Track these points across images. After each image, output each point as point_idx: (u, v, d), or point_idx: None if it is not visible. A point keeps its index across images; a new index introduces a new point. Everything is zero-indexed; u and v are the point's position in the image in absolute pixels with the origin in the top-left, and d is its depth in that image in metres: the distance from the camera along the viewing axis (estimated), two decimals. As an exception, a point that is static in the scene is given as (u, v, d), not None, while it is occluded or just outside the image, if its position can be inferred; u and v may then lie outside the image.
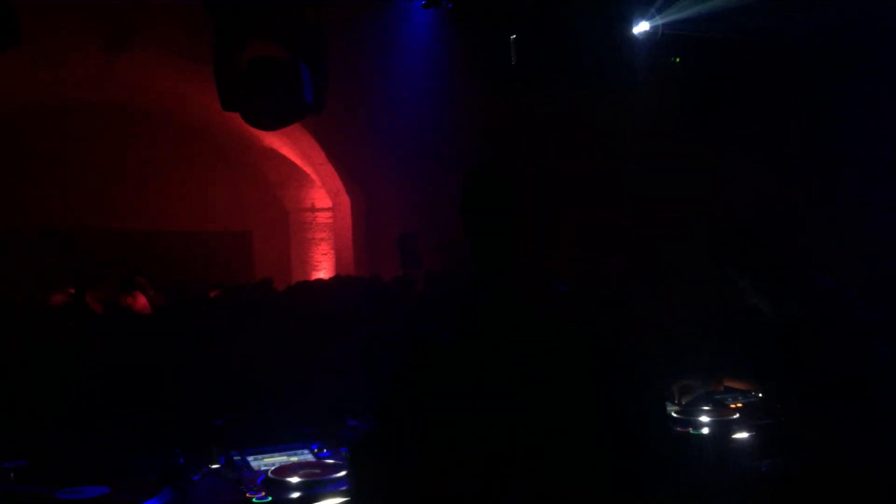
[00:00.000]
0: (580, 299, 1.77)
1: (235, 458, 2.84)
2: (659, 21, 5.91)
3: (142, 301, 8.22)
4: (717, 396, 3.63)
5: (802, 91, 6.87)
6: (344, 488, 2.54)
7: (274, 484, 2.58)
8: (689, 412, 3.39)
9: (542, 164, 1.84)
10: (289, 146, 13.52)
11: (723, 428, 3.24)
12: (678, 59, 6.37)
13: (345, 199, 13.86)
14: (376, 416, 1.80)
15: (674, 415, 3.40)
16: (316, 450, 2.94)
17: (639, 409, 1.71)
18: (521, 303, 1.75)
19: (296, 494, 2.53)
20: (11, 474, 2.62)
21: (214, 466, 2.77)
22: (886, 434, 2.40)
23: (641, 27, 5.96)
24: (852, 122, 6.62)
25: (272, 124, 5.90)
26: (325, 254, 14.91)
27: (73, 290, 8.10)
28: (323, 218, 14.98)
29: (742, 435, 3.19)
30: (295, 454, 2.93)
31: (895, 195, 6.33)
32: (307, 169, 14.27)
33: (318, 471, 2.68)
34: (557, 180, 1.79)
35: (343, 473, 2.62)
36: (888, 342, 2.65)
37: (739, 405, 3.55)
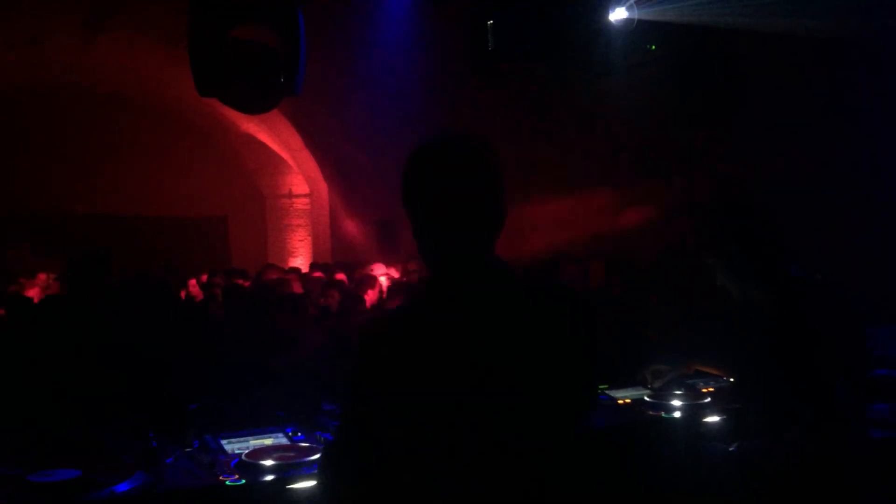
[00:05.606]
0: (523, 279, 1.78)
1: (209, 441, 2.84)
2: (636, 8, 5.92)
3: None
4: (689, 381, 3.68)
5: (788, 80, 6.85)
6: (318, 471, 2.55)
7: (248, 467, 2.58)
8: (662, 396, 3.44)
9: (490, 145, 1.81)
10: (266, 132, 13.43)
11: (694, 412, 3.29)
12: (654, 47, 6.38)
13: (322, 186, 13.80)
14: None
15: (646, 399, 3.44)
16: (290, 433, 2.94)
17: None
18: (459, 282, 1.75)
19: (270, 477, 2.54)
20: (-18, 457, 2.60)
21: (188, 450, 2.76)
22: (845, 421, 2.44)
23: (618, 14, 5.97)
24: (843, 111, 6.56)
25: (252, 108, 5.84)
26: (303, 240, 14.86)
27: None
28: (300, 204, 14.91)
29: (713, 418, 3.24)
30: (269, 437, 2.93)
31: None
32: (284, 155, 14.18)
33: (292, 454, 2.68)
34: (526, 164, 1.80)
35: (318, 456, 2.62)
36: (856, 340, 2.66)
37: (711, 389, 3.60)
